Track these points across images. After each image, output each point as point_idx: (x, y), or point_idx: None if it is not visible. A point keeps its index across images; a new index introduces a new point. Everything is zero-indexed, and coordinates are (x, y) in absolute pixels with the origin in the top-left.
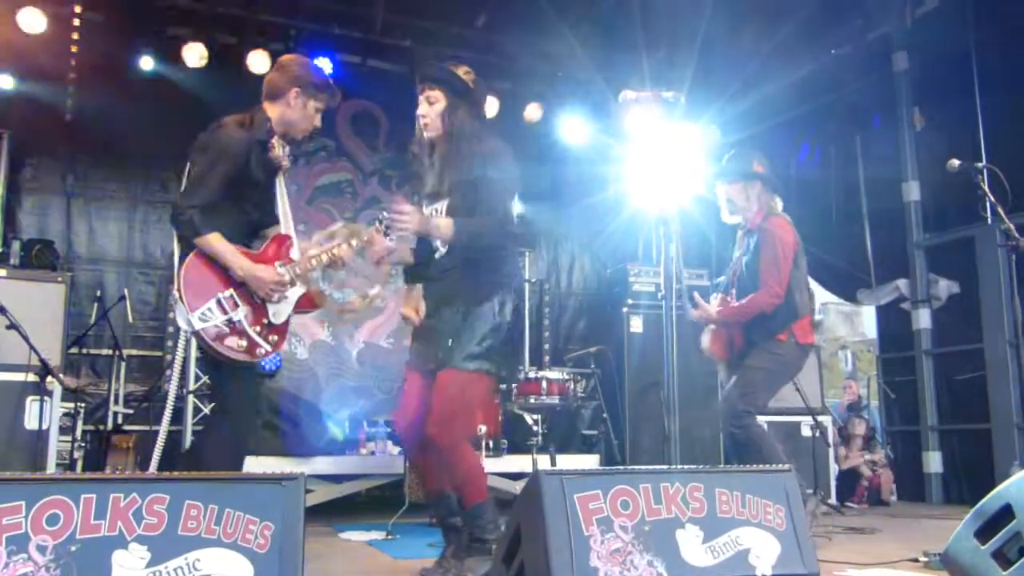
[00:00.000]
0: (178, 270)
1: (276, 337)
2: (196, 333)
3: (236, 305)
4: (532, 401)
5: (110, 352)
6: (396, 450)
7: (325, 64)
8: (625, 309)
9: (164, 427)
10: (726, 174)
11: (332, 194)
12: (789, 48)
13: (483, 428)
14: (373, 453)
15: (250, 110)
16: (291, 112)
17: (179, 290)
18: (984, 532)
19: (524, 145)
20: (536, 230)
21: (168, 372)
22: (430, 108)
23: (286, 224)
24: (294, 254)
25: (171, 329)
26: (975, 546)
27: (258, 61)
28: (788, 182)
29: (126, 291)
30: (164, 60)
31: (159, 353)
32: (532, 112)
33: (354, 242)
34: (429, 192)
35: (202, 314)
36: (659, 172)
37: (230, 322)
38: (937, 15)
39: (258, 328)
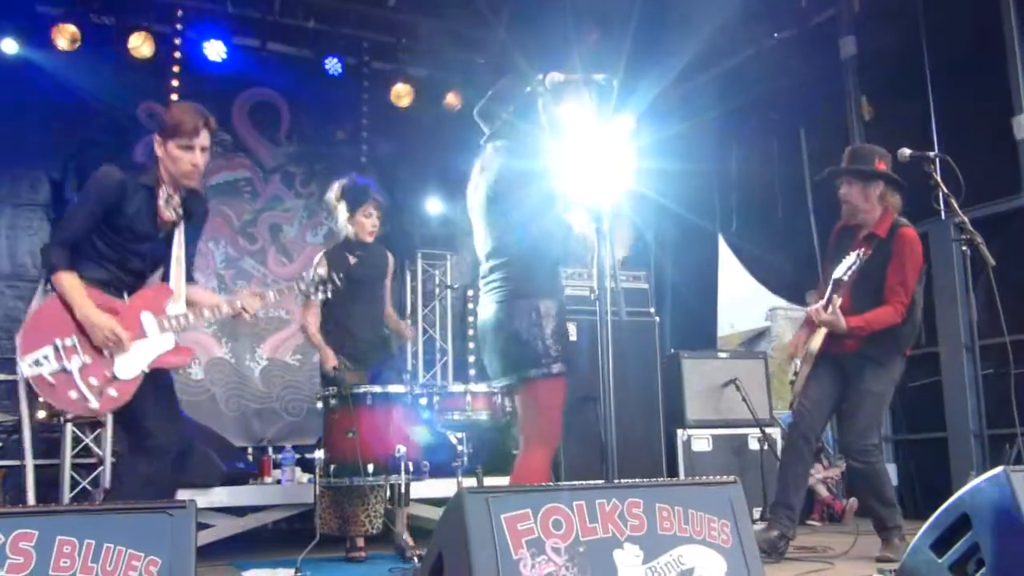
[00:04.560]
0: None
1: (116, 393)
2: (27, 381)
3: (75, 352)
4: (455, 417)
5: None
6: (305, 478)
7: (218, 48)
8: None
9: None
10: (844, 173)
11: (229, 194)
12: (731, 31)
13: (402, 449)
14: (279, 482)
15: None
16: (165, 161)
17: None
18: (940, 544)
19: (444, 136)
20: (456, 230)
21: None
22: None
23: (176, 277)
24: (171, 308)
25: None
26: (931, 559)
27: (139, 44)
28: (728, 178)
29: None
30: (30, 42)
31: None
32: (452, 100)
33: (268, 296)
34: None
35: (35, 360)
36: (590, 165)
37: (63, 371)
38: None
39: (95, 381)
